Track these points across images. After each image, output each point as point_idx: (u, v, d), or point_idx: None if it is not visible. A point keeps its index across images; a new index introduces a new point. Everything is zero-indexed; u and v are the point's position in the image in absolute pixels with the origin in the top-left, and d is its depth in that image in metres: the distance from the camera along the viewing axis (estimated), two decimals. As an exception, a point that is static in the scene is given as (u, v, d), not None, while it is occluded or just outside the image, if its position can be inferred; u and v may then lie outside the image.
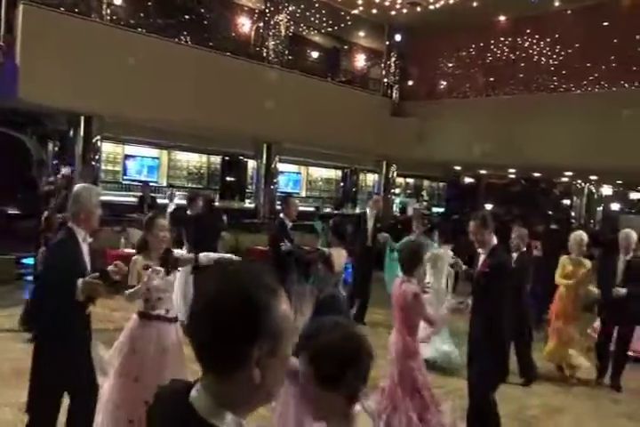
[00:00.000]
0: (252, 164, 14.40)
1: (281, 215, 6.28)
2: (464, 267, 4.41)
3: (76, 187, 3.48)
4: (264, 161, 12.67)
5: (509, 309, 4.01)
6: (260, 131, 11.42)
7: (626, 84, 13.92)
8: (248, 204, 13.85)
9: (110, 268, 3.31)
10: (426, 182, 19.53)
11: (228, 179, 15.20)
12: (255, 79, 10.81)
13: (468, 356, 4.10)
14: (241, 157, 15.12)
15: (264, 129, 11.28)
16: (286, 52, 13.18)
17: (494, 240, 4.08)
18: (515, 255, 5.65)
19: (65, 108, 9.14)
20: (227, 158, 15.15)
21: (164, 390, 1.09)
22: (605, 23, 12.80)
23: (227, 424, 0.95)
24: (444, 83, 16.76)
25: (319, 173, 17.44)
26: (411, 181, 19.20)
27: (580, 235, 6.07)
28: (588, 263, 5.95)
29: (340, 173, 17.68)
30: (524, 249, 5.80)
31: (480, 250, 4.07)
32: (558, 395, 5.41)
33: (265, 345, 0.95)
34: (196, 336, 0.98)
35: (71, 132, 9.84)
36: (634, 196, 19.68)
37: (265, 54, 12.75)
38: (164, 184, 13.76)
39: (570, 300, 5.92)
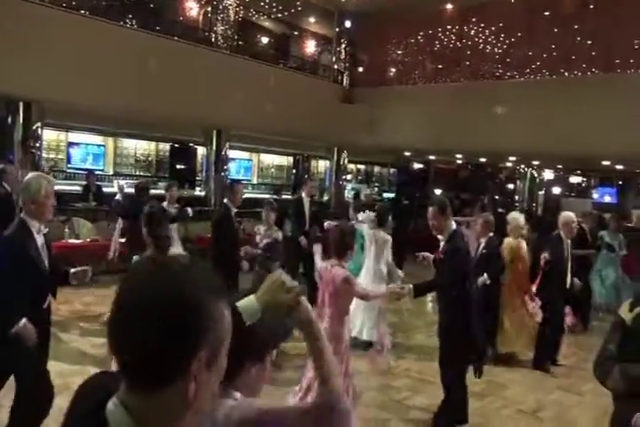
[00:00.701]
0: (201, 151, 14.20)
1: (225, 201, 6.10)
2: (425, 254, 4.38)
3: (27, 176, 3.36)
4: (214, 148, 12.51)
5: (472, 293, 4.11)
6: (209, 117, 11.27)
7: (565, 73, 14.44)
8: (198, 191, 13.68)
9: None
10: (377, 168, 19.77)
11: (177, 166, 14.95)
12: (203, 64, 10.63)
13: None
14: (190, 144, 14.88)
15: (213, 115, 11.13)
16: (235, 37, 12.99)
17: (453, 226, 4.15)
18: (483, 241, 5.74)
19: (2, 94, 8.75)
20: (176, 145, 14.88)
21: (85, 388, 0.97)
22: (546, 13, 13.18)
23: None
24: (394, 69, 16.92)
25: (271, 159, 17.38)
26: (362, 167, 19.39)
27: (518, 217, 6.32)
28: (524, 245, 6.16)
29: (291, 159, 17.67)
30: (491, 234, 5.81)
31: (439, 236, 4.17)
32: (505, 373, 5.67)
33: (204, 356, 0.83)
34: (124, 347, 0.83)
35: (9, 119, 9.44)
36: (573, 180, 20.52)
37: (213, 39, 12.53)
38: (111, 172, 13.42)
39: (516, 285, 6.15)
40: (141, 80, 9.50)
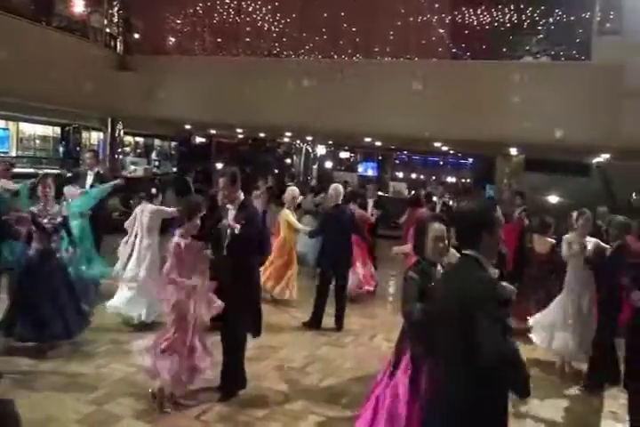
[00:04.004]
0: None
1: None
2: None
3: None
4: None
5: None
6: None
7: (335, 56, 15.60)
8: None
9: None
10: (157, 141, 19.07)
11: None
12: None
13: None
14: None
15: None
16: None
17: (242, 196, 4.40)
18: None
19: None
20: None
21: None
22: (317, -3, 13.96)
23: None
24: (173, 39, 16.40)
25: (33, 129, 15.55)
26: (140, 139, 18.52)
27: (294, 190, 7.04)
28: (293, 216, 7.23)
29: (58, 130, 16.05)
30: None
31: (229, 206, 4.39)
32: (277, 335, 6.14)
33: None
34: None
35: None
36: (343, 155, 22.46)
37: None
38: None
39: (286, 249, 6.84)
40: None
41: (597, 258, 5.16)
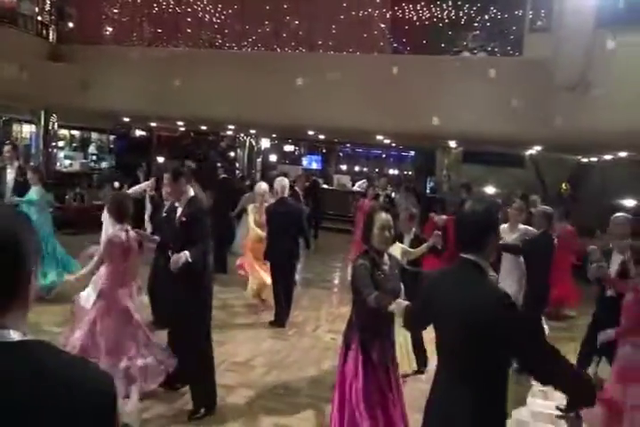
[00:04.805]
0: None
1: None
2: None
3: None
4: None
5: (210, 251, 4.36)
6: None
7: (278, 49, 15.53)
8: None
9: None
10: (94, 135, 18.42)
11: None
12: None
13: None
14: None
15: None
16: None
17: (191, 191, 4.26)
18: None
19: None
20: None
21: None
22: (258, -11, 13.85)
23: None
24: (110, 28, 15.83)
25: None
26: (77, 133, 17.86)
27: (261, 185, 7.04)
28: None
29: (-13, 123, 15.30)
30: None
31: (176, 203, 4.29)
32: (220, 330, 6.12)
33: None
34: None
35: None
36: (287, 148, 22.43)
37: None
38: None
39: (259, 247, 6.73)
40: None
41: (528, 244, 5.42)
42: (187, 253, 3.98)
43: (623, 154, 11.54)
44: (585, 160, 14.31)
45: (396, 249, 4.45)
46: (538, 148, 12.53)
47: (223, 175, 11.15)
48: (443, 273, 2.45)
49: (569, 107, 8.58)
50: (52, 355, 1.05)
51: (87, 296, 5.16)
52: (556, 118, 8.91)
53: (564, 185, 14.46)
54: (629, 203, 13.97)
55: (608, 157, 12.81)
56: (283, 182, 6.68)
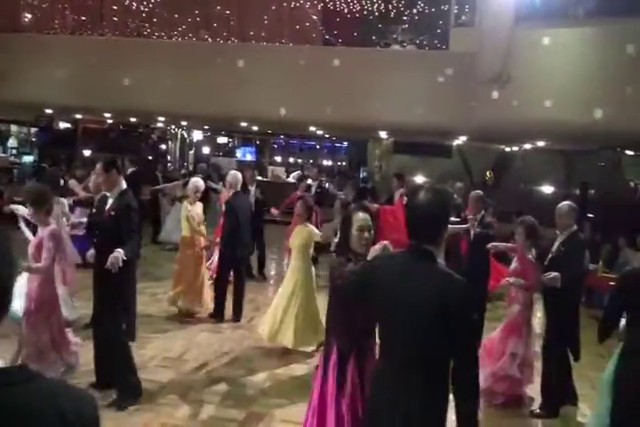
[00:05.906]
0: None
1: None
2: None
3: None
4: None
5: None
6: None
7: (209, 39, 15.24)
8: None
9: None
10: (14, 127, 17.48)
11: None
12: None
13: None
14: None
15: None
16: None
17: (124, 184, 4.20)
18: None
19: None
20: None
21: None
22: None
23: None
24: (29, 15, 15.02)
25: None
26: (-5, 125, 16.93)
27: (197, 181, 6.84)
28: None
29: None
30: None
31: (108, 194, 4.23)
32: (151, 325, 6.02)
33: None
34: None
35: None
36: (220, 140, 22.09)
37: None
38: None
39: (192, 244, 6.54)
40: None
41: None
42: (121, 251, 3.90)
43: (541, 143, 12.14)
44: (507, 149, 14.96)
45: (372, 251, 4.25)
46: (464, 138, 12.97)
47: (132, 169, 10.17)
48: (391, 258, 2.43)
49: (492, 99, 8.93)
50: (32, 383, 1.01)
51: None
52: (480, 110, 9.26)
53: (488, 173, 15.07)
54: (547, 189, 14.82)
55: (528, 146, 13.44)
56: (237, 176, 6.67)
